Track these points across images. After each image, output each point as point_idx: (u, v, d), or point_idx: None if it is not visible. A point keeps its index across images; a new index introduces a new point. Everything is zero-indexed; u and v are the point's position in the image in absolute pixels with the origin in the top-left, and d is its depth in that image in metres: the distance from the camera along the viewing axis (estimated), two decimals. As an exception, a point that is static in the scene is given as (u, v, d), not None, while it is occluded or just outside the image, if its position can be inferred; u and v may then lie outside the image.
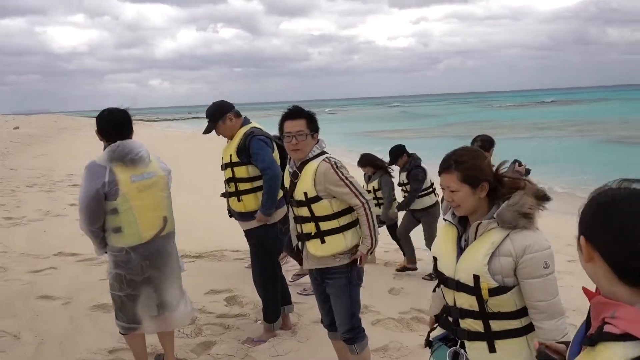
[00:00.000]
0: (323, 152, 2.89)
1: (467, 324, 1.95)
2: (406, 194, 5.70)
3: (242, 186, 3.69)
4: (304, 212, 2.85)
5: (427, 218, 5.60)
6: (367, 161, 5.86)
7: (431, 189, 5.62)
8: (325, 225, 2.81)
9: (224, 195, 3.89)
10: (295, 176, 2.88)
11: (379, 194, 5.73)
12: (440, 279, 2.03)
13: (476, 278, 1.86)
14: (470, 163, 1.94)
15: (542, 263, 1.83)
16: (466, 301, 1.92)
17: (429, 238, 5.57)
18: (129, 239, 2.85)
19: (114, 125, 2.89)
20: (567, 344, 1.22)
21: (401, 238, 5.77)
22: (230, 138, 3.77)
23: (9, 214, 7.14)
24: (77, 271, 5.06)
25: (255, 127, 3.76)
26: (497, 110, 65.01)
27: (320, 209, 2.80)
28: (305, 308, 4.36)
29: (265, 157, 3.59)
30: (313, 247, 2.86)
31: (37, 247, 5.73)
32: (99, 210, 2.79)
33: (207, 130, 3.80)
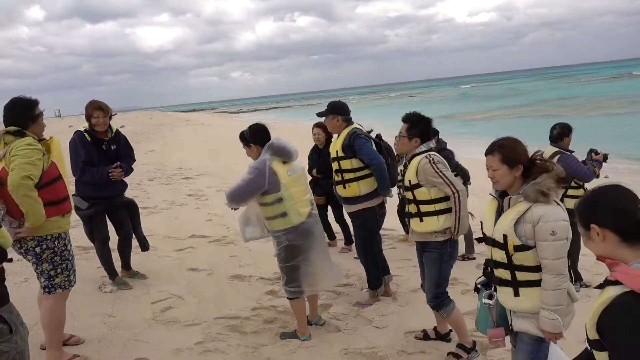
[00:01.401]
0: (429, 150, 3.56)
1: (500, 273, 2.61)
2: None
3: (347, 176, 4.49)
4: (409, 195, 3.61)
5: None
6: None
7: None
8: (424, 208, 3.53)
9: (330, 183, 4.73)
10: (405, 167, 3.65)
11: None
12: (484, 238, 2.70)
13: (505, 237, 2.51)
14: (509, 148, 2.57)
15: (550, 230, 2.41)
16: (499, 255, 2.58)
17: None
18: (294, 218, 3.68)
19: (264, 133, 3.77)
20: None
21: None
22: (332, 132, 4.64)
23: (143, 204, 8.44)
24: (211, 250, 6.15)
25: (357, 128, 4.52)
26: (587, 84, 61.12)
27: (420, 194, 3.53)
28: (403, 280, 5.10)
29: (369, 151, 4.37)
30: (414, 224, 3.61)
31: (174, 231, 6.92)
32: (250, 199, 3.66)
33: (320, 114, 4.67)
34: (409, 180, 3.56)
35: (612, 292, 1.54)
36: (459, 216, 3.48)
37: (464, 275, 5.18)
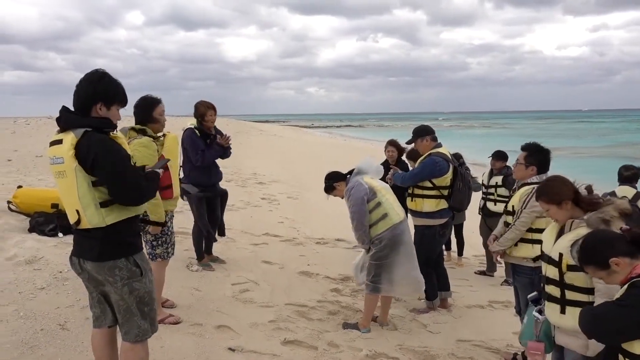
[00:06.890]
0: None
1: (550, 289, 2.82)
2: (488, 197, 6.12)
3: (417, 191, 4.90)
4: (509, 219, 3.84)
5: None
6: (500, 156, 6.24)
7: None
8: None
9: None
10: (514, 191, 3.90)
11: (500, 190, 6.04)
12: (541, 255, 2.97)
13: (560, 255, 2.72)
14: (550, 189, 2.86)
15: None
16: (552, 272, 2.80)
17: None
18: (394, 217, 4.21)
19: (337, 173, 4.47)
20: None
21: (486, 248, 6.22)
22: (423, 153, 4.95)
23: (222, 202, 9.25)
24: (282, 248, 6.72)
25: (437, 151, 4.85)
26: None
27: None
28: (459, 296, 5.40)
29: (413, 170, 4.99)
30: (510, 248, 3.81)
31: (250, 228, 7.58)
32: (366, 210, 4.16)
33: (409, 142, 5.13)
34: (512, 206, 3.79)
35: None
36: None
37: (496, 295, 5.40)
